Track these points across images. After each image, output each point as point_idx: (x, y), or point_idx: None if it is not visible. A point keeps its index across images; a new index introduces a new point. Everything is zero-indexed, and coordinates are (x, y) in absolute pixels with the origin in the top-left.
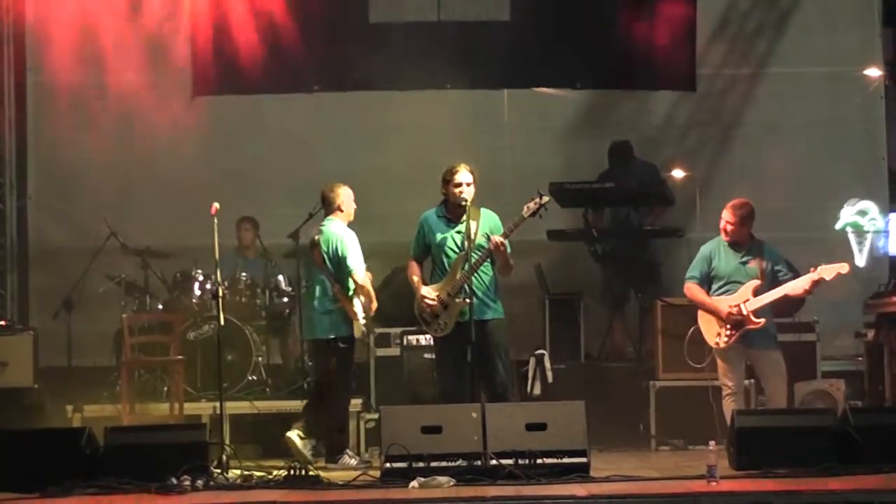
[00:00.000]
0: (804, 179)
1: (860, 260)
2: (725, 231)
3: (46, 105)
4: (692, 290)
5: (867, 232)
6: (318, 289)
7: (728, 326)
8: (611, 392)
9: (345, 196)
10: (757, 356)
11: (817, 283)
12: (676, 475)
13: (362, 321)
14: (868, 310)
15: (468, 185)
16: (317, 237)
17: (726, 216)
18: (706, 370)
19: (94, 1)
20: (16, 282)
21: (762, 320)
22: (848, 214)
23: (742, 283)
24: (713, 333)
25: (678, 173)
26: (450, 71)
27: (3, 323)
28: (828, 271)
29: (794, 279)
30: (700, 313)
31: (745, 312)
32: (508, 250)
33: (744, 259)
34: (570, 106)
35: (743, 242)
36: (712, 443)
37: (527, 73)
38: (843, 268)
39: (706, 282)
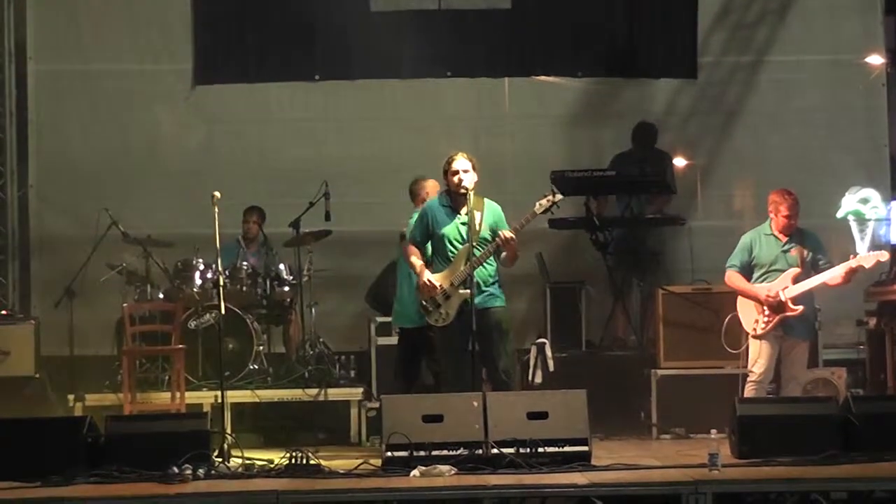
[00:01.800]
0: (805, 167)
1: (861, 248)
2: (783, 221)
3: (47, 93)
4: (732, 277)
5: (869, 220)
6: (408, 279)
7: (766, 313)
8: (612, 380)
9: (430, 189)
10: (791, 345)
11: (855, 271)
12: (678, 463)
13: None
14: (870, 298)
15: (465, 172)
16: (405, 229)
17: (783, 210)
18: (716, 357)
19: None
20: (17, 271)
21: (800, 307)
22: (850, 202)
23: (783, 272)
24: (751, 320)
25: (679, 161)
26: (451, 59)
27: (4, 312)
28: (867, 259)
29: (833, 267)
30: (739, 300)
31: (783, 299)
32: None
33: (785, 247)
34: (570, 94)
35: (785, 229)
36: (714, 431)
37: (528, 62)
38: (883, 255)
39: (747, 270)
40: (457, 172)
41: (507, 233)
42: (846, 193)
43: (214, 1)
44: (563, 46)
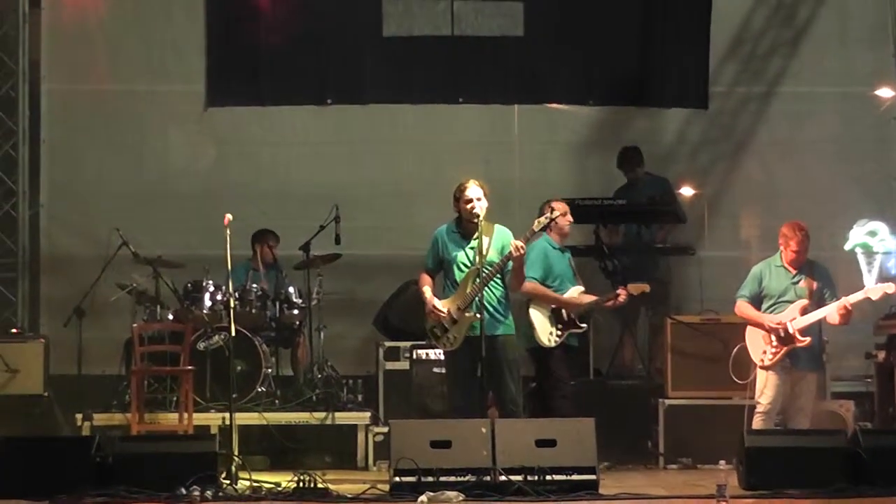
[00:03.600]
0: (814, 199)
1: (869, 280)
2: (792, 255)
3: (60, 113)
4: (742, 307)
5: (877, 252)
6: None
7: (774, 344)
8: (620, 409)
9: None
10: (799, 376)
11: (850, 310)
12: (685, 494)
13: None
14: (878, 331)
15: (478, 199)
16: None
17: (793, 245)
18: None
19: (110, 10)
20: (27, 290)
21: (808, 339)
22: (857, 235)
23: (792, 303)
24: (759, 350)
25: (688, 191)
26: (463, 85)
27: (14, 331)
28: (874, 291)
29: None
30: (748, 330)
31: (791, 330)
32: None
33: (795, 279)
34: (581, 122)
35: (796, 262)
36: (722, 462)
37: (539, 89)
38: (890, 287)
39: (757, 301)
40: (470, 200)
41: (517, 241)
42: (854, 226)
43: (227, 23)
44: (574, 74)
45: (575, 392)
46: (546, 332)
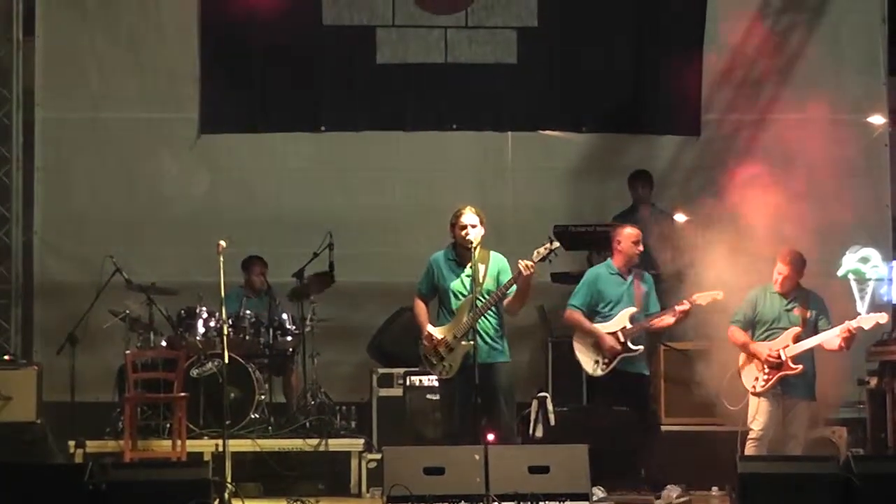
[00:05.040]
0: (806, 226)
1: (862, 308)
2: (777, 281)
3: (54, 140)
4: (735, 334)
5: (869, 279)
6: None
7: (766, 371)
8: (612, 436)
9: (620, 237)
10: (790, 404)
11: (854, 334)
12: None
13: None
14: (871, 357)
15: (473, 227)
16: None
17: (779, 267)
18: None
19: (103, 38)
20: (20, 316)
21: (800, 366)
22: (850, 261)
23: (785, 330)
24: (752, 377)
25: (681, 217)
26: (456, 112)
27: (7, 357)
28: (867, 321)
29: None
30: (741, 358)
31: (783, 358)
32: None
33: (789, 306)
34: (574, 148)
35: (790, 290)
36: (715, 488)
37: (532, 116)
38: (882, 318)
39: (750, 326)
40: (465, 227)
41: (527, 262)
42: (847, 252)
43: (221, 51)
44: (567, 101)
45: (622, 422)
46: (590, 361)
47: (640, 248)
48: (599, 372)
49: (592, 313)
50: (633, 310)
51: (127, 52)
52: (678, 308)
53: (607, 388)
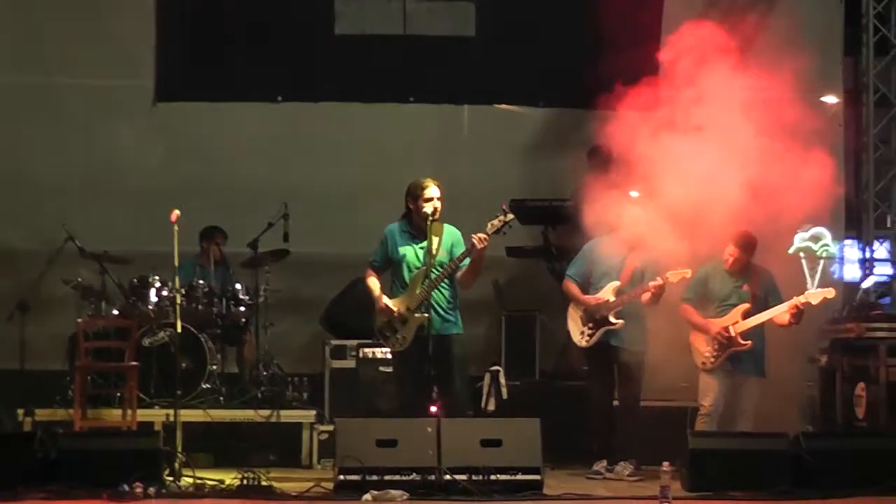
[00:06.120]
0: (759, 204)
1: (811, 286)
2: (727, 261)
3: (7, 106)
4: (686, 311)
5: (820, 258)
6: None
7: (716, 347)
8: (564, 410)
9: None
10: (740, 380)
11: (802, 309)
12: (629, 495)
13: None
14: (822, 335)
15: (438, 199)
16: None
17: (729, 248)
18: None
19: (59, 3)
20: None
21: (749, 342)
22: (801, 240)
23: (735, 307)
24: (702, 354)
25: (635, 194)
26: (414, 85)
27: None
28: (814, 296)
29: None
30: (691, 334)
31: (732, 334)
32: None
33: (738, 283)
34: (531, 123)
35: (740, 269)
36: (666, 464)
37: (490, 89)
38: (830, 293)
39: (702, 303)
40: (430, 199)
41: (481, 234)
42: (798, 231)
43: (178, 18)
44: (525, 75)
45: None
46: (577, 331)
47: (641, 228)
48: (584, 343)
49: (587, 285)
50: (617, 283)
51: (81, 18)
52: (651, 284)
53: (590, 359)
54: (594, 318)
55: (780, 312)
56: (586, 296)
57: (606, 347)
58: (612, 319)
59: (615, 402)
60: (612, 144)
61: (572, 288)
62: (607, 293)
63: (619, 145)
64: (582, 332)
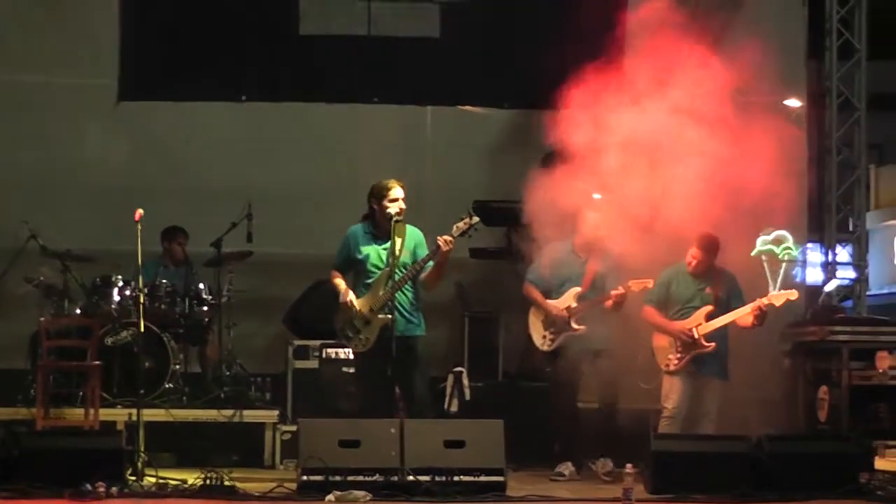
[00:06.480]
0: (722, 207)
1: (773, 289)
2: (690, 263)
3: None
4: (648, 313)
5: (782, 261)
6: None
7: (679, 349)
8: (527, 411)
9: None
10: (703, 382)
11: (765, 311)
12: (592, 497)
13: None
14: (785, 338)
15: (402, 200)
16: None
17: (692, 251)
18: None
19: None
20: None
21: (712, 344)
22: (762, 243)
23: (698, 309)
24: (665, 356)
25: (597, 195)
26: (377, 86)
27: None
28: (777, 298)
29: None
30: (654, 336)
31: (696, 336)
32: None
33: (701, 286)
34: (495, 125)
35: (703, 271)
36: (629, 466)
37: (455, 91)
38: (793, 294)
39: (664, 306)
40: (395, 200)
41: (447, 236)
42: (760, 234)
43: (142, 17)
44: (490, 77)
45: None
46: (539, 335)
47: (600, 232)
48: (546, 347)
49: (548, 289)
50: (578, 289)
51: (45, 15)
52: (613, 293)
53: (552, 362)
54: (556, 322)
55: (743, 314)
56: (548, 301)
57: (570, 351)
58: (573, 325)
59: (580, 404)
60: (571, 145)
61: (533, 293)
62: (569, 299)
63: (578, 146)
64: (544, 336)
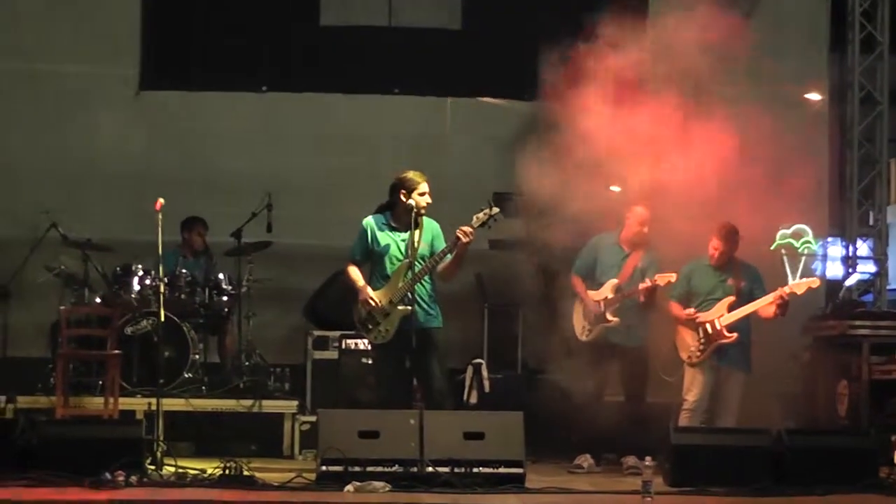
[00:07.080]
0: (743, 200)
1: (793, 282)
2: (713, 256)
3: None
4: (672, 307)
5: (802, 254)
6: None
7: (701, 341)
8: (546, 404)
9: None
10: (725, 374)
11: (787, 300)
12: (611, 489)
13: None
14: (805, 332)
15: (429, 194)
16: None
17: (713, 242)
18: (652, 385)
19: None
20: None
21: (734, 335)
22: (783, 237)
23: (720, 300)
24: (686, 348)
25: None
26: (397, 77)
27: None
28: (799, 286)
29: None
30: (677, 329)
31: (718, 327)
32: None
33: (722, 277)
34: (516, 117)
35: (724, 263)
36: (648, 458)
37: (475, 83)
38: (815, 282)
39: (686, 300)
40: (424, 193)
41: (467, 228)
42: (780, 228)
43: (163, 7)
44: (510, 69)
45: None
46: (580, 325)
47: (645, 229)
48: (584, 337)
49: (591, 280)
50: (615, 281)
51: (66, 5)
52: (641, 286)
53: (586, 354)
54: (593, 314)
55: (765, 304)
56: (588, 292)
57: (606, 345)
58: (608, 317)
59: (605, 398)
60: (590, 137)
61: (577, 284)
62: (606, 290)
63: (600, 139)
64: (584, 327)
